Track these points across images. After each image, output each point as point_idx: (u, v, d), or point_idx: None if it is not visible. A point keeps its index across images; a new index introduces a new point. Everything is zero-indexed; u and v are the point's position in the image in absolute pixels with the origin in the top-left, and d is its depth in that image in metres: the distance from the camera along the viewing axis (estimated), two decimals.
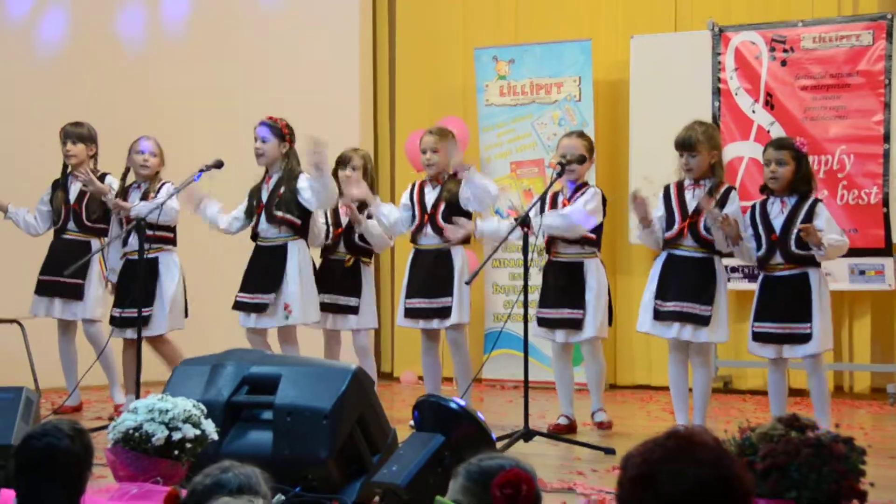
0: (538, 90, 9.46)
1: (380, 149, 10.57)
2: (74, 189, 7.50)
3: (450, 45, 10.21)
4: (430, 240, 6.94)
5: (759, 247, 6.25)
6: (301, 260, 6.93)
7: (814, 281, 6.14)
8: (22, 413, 4.71)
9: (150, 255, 6.98)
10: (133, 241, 6.98)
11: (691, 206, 6.36)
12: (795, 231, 6.11)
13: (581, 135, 6.95)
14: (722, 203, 6.27)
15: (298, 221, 6.94)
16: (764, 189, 6.34)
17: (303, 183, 6.89)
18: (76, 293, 7.40)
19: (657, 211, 6.44)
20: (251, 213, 7.04)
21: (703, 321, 6.29)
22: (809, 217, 6.11)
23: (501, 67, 9.61)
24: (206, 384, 4.79)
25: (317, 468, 4.48)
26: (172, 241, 7.29)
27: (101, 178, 7.45)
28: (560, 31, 9.62)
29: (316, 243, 7.20)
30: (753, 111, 8.68)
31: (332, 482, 4.51)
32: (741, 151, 8.69)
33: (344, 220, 7.23)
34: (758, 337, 6.25)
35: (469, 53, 9.84)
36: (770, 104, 8.62)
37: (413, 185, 7.13)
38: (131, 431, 4.34)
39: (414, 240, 7.05)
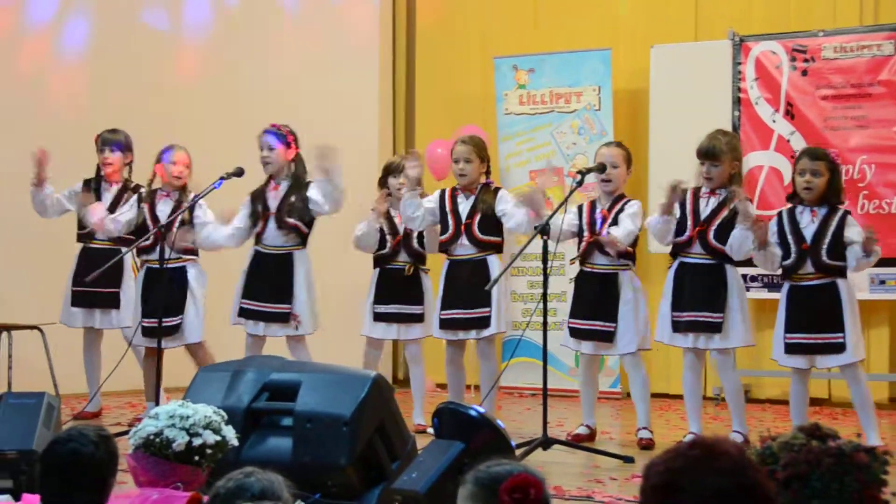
0: (557, 99, 9.47)
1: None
2: (107, 198, 7.52)
3: (469, 53, 10.22)
4: (465, 250, 6.84)
5: (786, 255, 6.23)
6: (307, 270, 6.97)
7: (843, 290, 6.14)
8: (44, 418, 4.73)
9: (176, 265, 7.04)
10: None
11: (704, 214, 6.36)
12: (828, 241, 6.11)
13: (619, 144, 6.92)
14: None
15: (307, 230, 6.97)
16: (791, 198, 6.33)
17: (312, 189, 6.91)
18: (113, 302, 7.43)
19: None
20: (255, 217, 7.03)
21: (715, 328, 6.26)
22: (841, 228, 6.12)
23: (521, 76, 9.62)
24: (226, 390, 4.80)
25: (336, 475, 4.49)
26: (195, 252, 7.31)
27: (136, 189, 7.49)
28: (580, 40, 9.61)
29: (369, 247, 7.16)
30: (774, 121, 8.66)
31: (352, 489, 4.52)
32: (761, 161, 8.68)
33: (401, 228, 7.15)
34: (790, 349, 6.23)
35: (488, 62, 9.85)
36: (790, 114, 8.60)
37: (442, 193, 7.03)
38: (152, 437, 4.35)
39: (446, 250, 6.94)
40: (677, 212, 6.44)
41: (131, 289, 7.45)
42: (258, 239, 7.02)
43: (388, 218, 7.16)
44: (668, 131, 8.75)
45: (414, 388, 7.28)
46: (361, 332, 7.29)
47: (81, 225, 7.56)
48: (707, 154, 6.39)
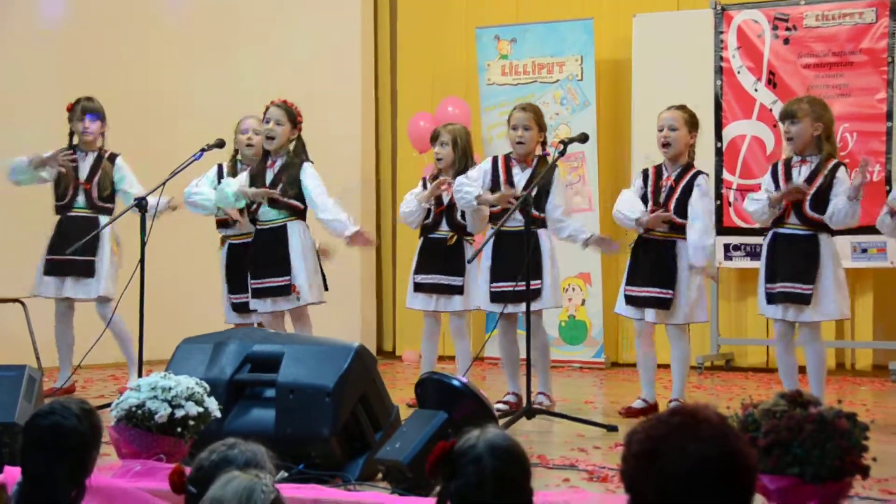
0: (540, 69, 9.44)
1: (381, 129, 10.56)
2: (84, 166, 7.47)
3: (451, 24, 10.18)
4: (517, 223, 6.37)
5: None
6: (303, 240, 6.90)
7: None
8: (25, 391, 4.72)
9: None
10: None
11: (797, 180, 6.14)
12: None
13: (682, 107, 6.62)
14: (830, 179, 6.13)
15: (301, 205, 6.92)
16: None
17: (308, 177, 6.83)
18: (88, 270, 7.37)
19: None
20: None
21: (804, 300, 6.08)
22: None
23: (503, 47, 9.58)
24: (208, 362, 4.80)
25: (320, 446, 4.49)
26: (303, 213, 7.05)
27: (112, 158, 7.46)
28: (562, 9, 9.58)
29: (412, 224, 7.08)
30: (756, 90, 8.65)
31: (335, 459, 4.52)
32: (743, 130, 8.67)
33: (445, 198, 6.98)
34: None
35: (470, 33, 9.81)
36: (772, 83, 8.60)
37: (495, 161, 6.82)
38: (134, 409, 4.35)
39: (495, 220, 6.65)
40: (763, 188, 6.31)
41: (107, 258, 7.38)
42: (254, 217, 6.97)
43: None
44: (651, 100, 8.71)
45: (458, 363, 7.02)
46: (406, 305, 7.23)
47: (59, 196, 7.48)
48: (786, 114, 6.25)
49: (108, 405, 4.56)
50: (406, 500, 4.03)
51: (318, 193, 6.85)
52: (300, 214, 6.93)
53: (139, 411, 4.34)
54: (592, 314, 9.16)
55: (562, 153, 6.36)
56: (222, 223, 7.40)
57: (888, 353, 8.64)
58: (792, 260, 6.14)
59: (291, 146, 6.95)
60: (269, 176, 6.91)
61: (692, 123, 6.55)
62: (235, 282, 7.18)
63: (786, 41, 8.57)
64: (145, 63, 9.42)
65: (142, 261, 6.45)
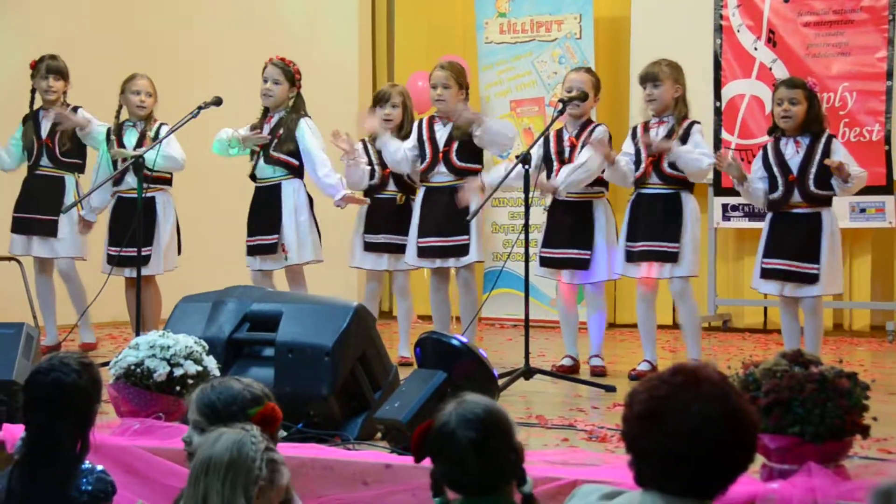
0: (538, 28, 9.38)
1: (378, 88, 10.48)
2: (46, 124, 7.40)
3: None
4: (443, 177, 6.78)
5: (773, 188, 6.17)
6: (297, 200, 6.90)
7: (826, 222, 6.08)
8: (23, 349, 4.72)
9: (147, 195, 6.94)
10: (130, 179, 6.96)
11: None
12: (814, 170, 6.06)
13: (588, 70, 6.88)
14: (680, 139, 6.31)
15: (296, 162, 6.91)
16: (773, 130, 6.26)
17: (304, 130, 6.84)
18: (51, 230, 7.35)
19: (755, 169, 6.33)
20: (251, 151, 6.99)
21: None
22: (826, 154, 6.04)
23: (501, 5, 9.52)
24: (207, 321, 4.79)
25: (318, 405, 4.49)
26: (169, 182, 7.26)
27: (74, 110, 7.39)
28: None
29: (361, 185, 7.09)
30: (755, 48, 8.60)
31: (334, 419, 4.53)
32: (742, 89, 8.62)
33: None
34: (766, 273, 6.21)
35: None
36: (772, 41, 8.54)
37: (420, 122, 6.99)
38: (133, 367, 4.35)
39: (425, 178, 6.89)
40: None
41: (72, 219, 7.33)
42: (253, 174, 6.98)
43: (377, 150, 7.08)
44: (650, 59, 8.61)
45: (400, 321, 7.25)
46: (350, 263, 7.25)
47: (28, 156, 7.44)
48: (646, 77, 6.41)
49: (107, 363, 4.56)
50: (405, 459, 4.03)
51: (314, 147, 6.88)
52: (296, 172, 6.93)
53: (138, 370, 4.33)
54: None
55: (561, 112, 6.40)
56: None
57: (886, 314, 8.64)
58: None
59: (291, 102, 6.95)
60: (266, 131, 6.94)
61: (597, 86, 6.66)
62: (121, 233, 7.07)
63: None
64: (153, 20, 9.37)
65: (139, 218, 6.44)
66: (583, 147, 6.54)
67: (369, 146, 7.12)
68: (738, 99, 8.62)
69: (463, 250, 6.74)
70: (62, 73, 7.41)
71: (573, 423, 4.93)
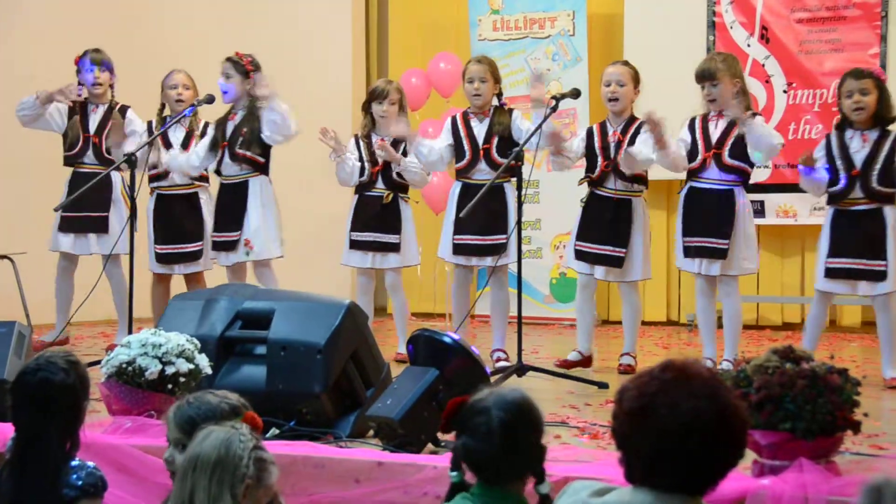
0: (532, 24, 9.38)
1: (372, 85, 10.48)
2: (94, 119, 7.37)
3: None
4: (483, 174, 6.62)
5: (835, 181, 6.12)
6: (263, 196, 6.93)
7: (889, 218, 6.03)
8: (14, 347, 4.71)
9: (188, 191, 7.28)
10: (175, 176, 7.21)
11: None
12: (879, 167, 5.99)
13: (625, 63, 6.76)
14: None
15: (261, 159, 6.95)
16: (840, 125, 6.16)
17: (263, 120, 6.85)
18: (103, 226, 7.30)
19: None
20: (215, 146, 6.99)
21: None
22: (893, 151, 5.98)
23: (495, 2, 9.52)
24: (199, 319, 4.78)
25: (311, 402, 4.49)
26: (207, 179, 7.38)
27: (123, 111, 7.36)
28: None
29: (350, 182, 7.07)
30: (748, 45, 8.61)
31: (327, 416, 4.52)
32: None
33: (381, 156, 6.99)
34: (832, 273, 6.11)
35: None
36: (765, 38, 8.55)
37: (454, 119, 6.89)
38: (124, 366, 4.34)
39: (465, 174, 6.78)
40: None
41: (121, 214, 7.28)
42: (219, 169, 6.98)
43: (368, 146, 7.06)
44: (643, 55, 8.66)
45: (396, 318, 7.18)
46: (341, 261, 7.24)
47: (68, 147, 7.39)
48: (703, 75, 6.27)
49: (98, 362, 4.55)
50: (397, 456, 4.03)
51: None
52: (262, 169, 6.97)
53: (129, 368, 4.33)
54: None
55: (554, 109, 6.32)
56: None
57: None
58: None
59: (249, 98, 6.93)
60: (230, 128, 6.96)
61: (635, 78, 6.59)
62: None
63: None
64: (149, 15, 9.36)
65: (132, 216, 6.43)
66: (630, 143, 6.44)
67: (361, 142, 7.09)
68: None
69: (500, 249, 6.60)
70: (108, 66, 7.38)
71: (565, 419, 4.93)
